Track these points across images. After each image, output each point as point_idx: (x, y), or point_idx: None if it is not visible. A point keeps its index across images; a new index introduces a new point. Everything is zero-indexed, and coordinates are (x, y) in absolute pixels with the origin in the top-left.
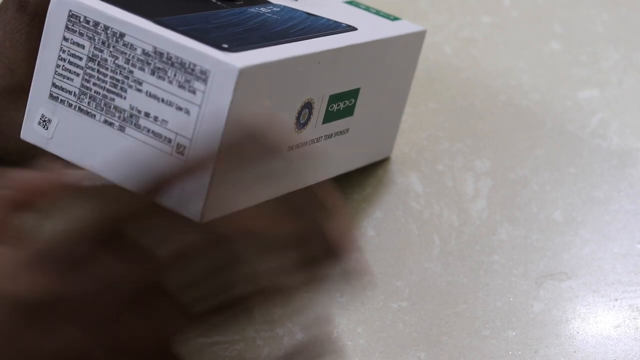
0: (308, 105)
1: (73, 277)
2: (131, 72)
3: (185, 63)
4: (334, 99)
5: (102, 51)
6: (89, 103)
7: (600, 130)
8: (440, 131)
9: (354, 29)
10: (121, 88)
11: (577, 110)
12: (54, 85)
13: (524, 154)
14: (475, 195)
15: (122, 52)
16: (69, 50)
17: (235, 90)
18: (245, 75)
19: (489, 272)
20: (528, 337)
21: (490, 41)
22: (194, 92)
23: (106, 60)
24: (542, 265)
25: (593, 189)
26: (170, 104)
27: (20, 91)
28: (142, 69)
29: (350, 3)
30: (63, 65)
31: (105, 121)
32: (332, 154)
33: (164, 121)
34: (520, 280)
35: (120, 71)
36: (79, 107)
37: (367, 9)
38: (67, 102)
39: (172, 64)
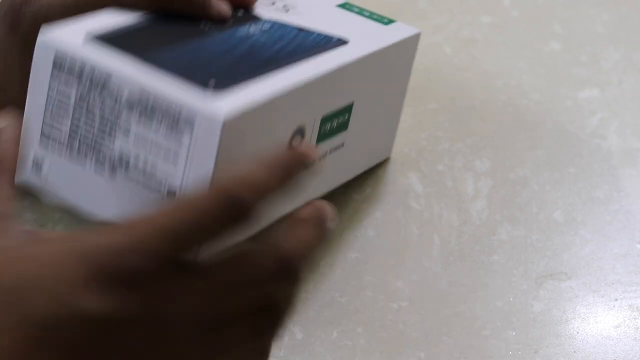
0: (299, 131)
1: (149, 298)
2: (118, 117)
3: (170, 111)
4: (327, 118)
5: (89, 95)
6: (78, 147)
7: (600, 130)
8: (440, 131)
9: (344, 42)
10: (109, 133)
11: (577, 110)
12: (43, 132)
13: (524, 154)
14: (475, 195)
15: (108, 97)
16: (56, 96)
17: (221, 138)
18: (230, 123)
19: (489, 272)
20: (528, 337)
21: (490, 41)
22: (180, 139)
23: (94, 104)
24: (542, 265)
25: (593, 189)
26: (157, 150)
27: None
28: (129, 115)
29: (343, 6)
30: (51, 111)
31: (96, 165)
32: (328, 169)
33: (153, 167)
34: (520, 280)
35: (108, 116)
36: (69, 151)
37: (360, 12)
38: (57, 146)
39: (158, 111)
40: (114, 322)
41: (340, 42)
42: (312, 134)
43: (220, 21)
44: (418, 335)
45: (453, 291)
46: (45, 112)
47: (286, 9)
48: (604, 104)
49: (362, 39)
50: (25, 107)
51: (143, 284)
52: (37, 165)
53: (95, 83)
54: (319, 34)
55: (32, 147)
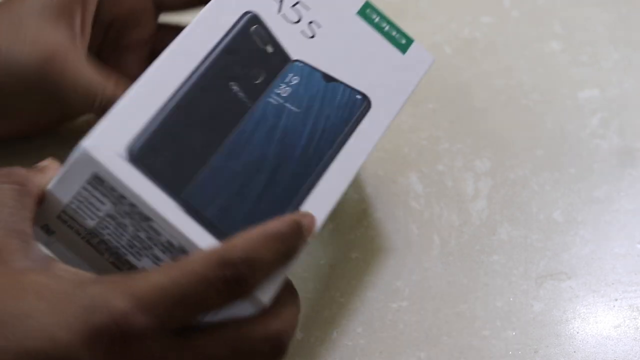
0: None
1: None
2: (151, 248)
3: None
4: None
5: (124, 218)
6: (99, 243)
7: (600, 130)
8: (440, 131)
9: (368, 103)
10: (137, 252)
11: (577, 110)
12: (64, 212)
13: (524, 154)
14: (475, 195)
15: (145, 230)
16: (87, 199)
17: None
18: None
19: (489, 272)
20: (528, 337)
21: (490, 41)
22: None
23: (126, 225)
24: (542, 265)
25: (593, 189)
26: None
27: (66, 5)
28: (163, 252)
29: (363, 13)
30: (78, 205)
31: (113, 263)
32: None
33: None
34: (520, 280)
35: (141, 242)
36: (88, 241)
37: (379, 26)
38: (76, 230)
39: None
40: None
41: (364, 101)
42: None
43: None
44: (418, 335)
45: (453, 291)
46: (71, 202)
47: (312, 30)
48: (604, 104)
49: (385, 92)
50: (50, 184)
51: (136, 348)
52: (47, 231)
53: (134, 214)
54: (344, 90)
55: (48, 218)
